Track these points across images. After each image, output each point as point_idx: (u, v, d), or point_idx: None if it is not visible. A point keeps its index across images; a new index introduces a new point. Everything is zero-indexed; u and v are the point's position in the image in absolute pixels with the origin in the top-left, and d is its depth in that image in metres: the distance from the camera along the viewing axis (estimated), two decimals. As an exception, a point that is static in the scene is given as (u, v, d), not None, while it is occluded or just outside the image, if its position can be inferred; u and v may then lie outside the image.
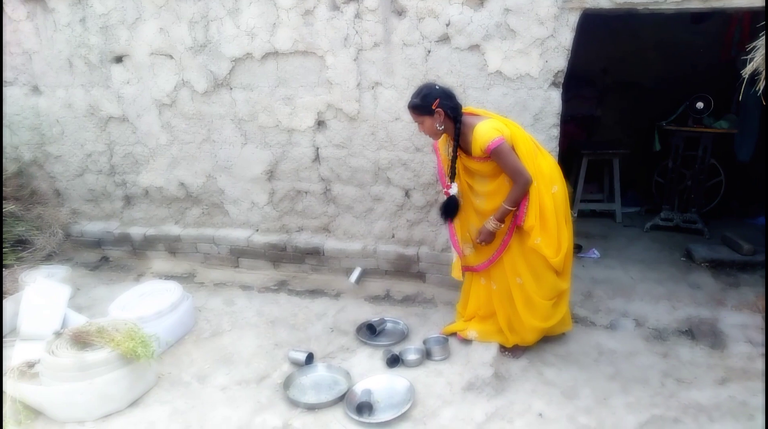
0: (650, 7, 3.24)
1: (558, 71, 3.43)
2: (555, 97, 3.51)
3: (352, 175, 4.00)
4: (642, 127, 5.92)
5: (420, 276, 4.04)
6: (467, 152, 2.93)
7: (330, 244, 4.16)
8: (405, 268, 4.04)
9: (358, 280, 3.98)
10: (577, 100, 5.69)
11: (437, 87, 2.90)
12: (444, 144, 3.08)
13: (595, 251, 4.43)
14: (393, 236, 4.08)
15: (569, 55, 3.42)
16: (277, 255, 4.28)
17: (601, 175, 5.61)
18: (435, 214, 3.93)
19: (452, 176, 2.95)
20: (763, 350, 3.23)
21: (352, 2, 3.59)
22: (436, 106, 2.82)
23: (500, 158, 2.78)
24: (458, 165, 2.99)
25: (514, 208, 2.86)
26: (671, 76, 5.84)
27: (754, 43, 2.35)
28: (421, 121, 2.90)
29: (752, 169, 5.24)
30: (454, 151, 2.90)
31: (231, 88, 4.04)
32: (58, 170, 4.68)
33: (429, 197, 3.91)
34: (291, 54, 3.83)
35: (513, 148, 2.81)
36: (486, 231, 2.93)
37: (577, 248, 4.49)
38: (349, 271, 4.11)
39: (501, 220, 2.89)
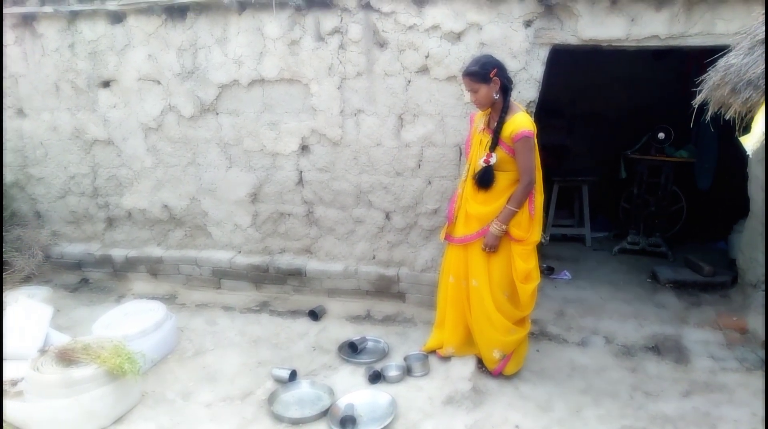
0: (613, 44, 3.51)
1: (530, 101, 3.66)
2: (527, 126, 3.72)
3: (335, 197, 4.14)
4: (609, 155, 6.23)
5: (400, 296, 4.16)
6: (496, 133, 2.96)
7: (312, 265, 4.26)
8: (385, 289, 4.15)
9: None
10: (547, 129, 5.96)
11: (495, 58, 2.98)
12: (480, 118, 3.15)
13: (567, 273, 4.63)
14: (374, 257, 4.21)
15: (540, 87, 3.66)
16: (260, 276, 4.35)
17: (572, 201, 5.86)
18: (415, 235, 4.09)
19: (493, 146, 2.96)
20: (724, 365, 3.43)
21: (337, 34, 3.78)
22: (494, 74, 2.86)
23: (523, 149, 2.87)
24: (476, 146, 3.06)
25: (518, 210, 2.93)
26: (635, 108, 6.18)
27: (701, 77, 2.60)
28: (476, 89, 2.90)
29: (712, 196, 5.54)
30: (498, 124, 2.92)
31: (217, 113, 4.17)
32: (40, 192, 4.70)
33: (409, 220, 4.06)
34: (277, 81, 3.99)
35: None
36: (492, 236, 2.97)
37: (549, 270, 4.68)
38: (331, 293, 4.22)
39: (505, 222, 2.95)
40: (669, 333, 3.75)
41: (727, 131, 2.87)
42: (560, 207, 5.67)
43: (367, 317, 4.05)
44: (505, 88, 2.97)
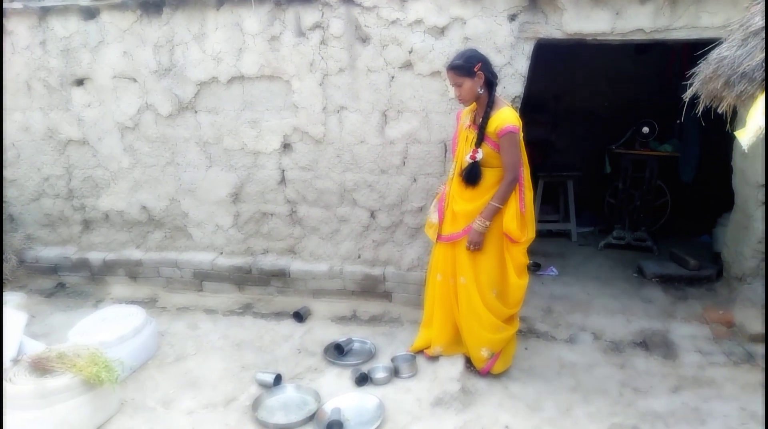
0: (598, 38, 3.47)
1: (515, 97, 3.61)
2: (513, 121, 3.68)
3: (318, 196, 4.05)
4: (593, 150, 6.23)
5: (386, 295, 4.09)
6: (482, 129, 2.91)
7: (296, 265, 4.18)
8: (371, 288, 4.09)
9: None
10: (531, 125, 5.94)
11: (479, 52, 2.93)
12: (466, 115, 3.10)
13: (554, 269, 4.60)
14: (359, 257, 4.14)
15: (525, 82, 3.61)
16: (242, 278, 4.26)
17: (557, 197, 5.84)
18: (401, 233, 4.03)
19: (479, 142, 2.91)
20: (711, 359, 3.42)
21: (318, 29, 3.70)
22: (478, 68, 2.81)
23: (508, 145, 2.83)
24: (462, 143, 3.02)
25: (502, 206, 2.89)
26: (619, 103, 6.19)
27: (693, 70, 2.56)
28: (460, 83, 2.85)
29: (695, 189, 5.57)
30: (484, 120, 2.88)
31: (196, 112, 4.06)
32: (13, 195, 4.55)
33: (394, 218, 4.00)
34: (257, 78, 3.89)
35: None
36: (475, 233, 2.93)
37: (536, 266, 4.65)
38: (316, 293, 4.14)
39: (489, 218, 2.91)
40: (656, 328, 3.74)
41: (709, 124, 2.85)
42: (545, 202, 5.65)
43: (353, 318, 3.98)
44: (490, 83, 2.93)
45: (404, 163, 3.87)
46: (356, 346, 3.59)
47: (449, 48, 3.55)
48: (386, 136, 3.82)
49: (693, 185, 5.50)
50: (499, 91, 3.57)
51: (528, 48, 3.54)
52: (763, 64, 2.07)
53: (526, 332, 3.71)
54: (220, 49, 3.86)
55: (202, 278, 4.33)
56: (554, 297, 4.17)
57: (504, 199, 2.91)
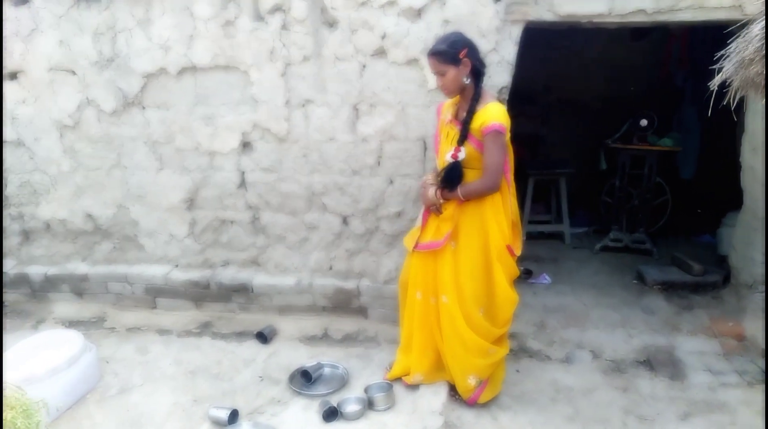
0: (594, 20, 3.07)
1: (502, 87, 3.20)
2: (500, 115, 3.26)
3: (283, 201, 3.62)
4: (586, 145, 5.85)
5: (361, 311, 3.67)
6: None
7: (260, 279, 3.74)
8: (345, 304, 3.66)
9: None
10: (519, 118, 5.53)
11: (465, 36, 2.58)
12: (448, 108, 2.73)
13: (546, 276, 4.21)
14: (331, 268, 3.71)
15: (513, 71, 3.20)
16: (200, 293, 3.81)
17: (548, 195, 5.46)
18: (377, 242, 3.61)
19: (462, 140, 2.54)
20: (723, 379, 3.06)
21: (278, 12, 3.25)
22: (464, 55, 2.46)
23: (492, 145, 2.47)
24: (443, 139, 2.68)
25: (463, 199, 2.56)
26: (612, 94, 5.80)
27: (723, 51, 2.13)
28: (443, 71, 2.49)
29: (695, 186, 5.21)
30: (468, 114, 2.52)
31: (143, 107, 3.59)
32: (-58, 202, 4.05)
33: (369, 224, 3.57)
34: (211, 69, 3.44)
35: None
36: (424, 195, 2.69)
37: (527, 273, 4.26)
38: (283, 310, 3.71)
39: (444, 197, 2.62)
40: (661, 344, 3.36)
41: (709, 116, 2.46)
42: (536, 201, 5.25)
43: (324, 337, 3.55)
44: (477, 72, 2.55)
45: (379, 162, 3.44)
46: (326, 372, 3.17)
47: (427, 33, 3.12)
48: (358, 133, 3.40)
49: (693, 182, 5.14)
50: (485, 81, 3.17)
51: (516, 32, 3.13)
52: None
53: (518, 351, 3.32)
54: (168, 36, 3.39)
55: (155, 294, 3.87)
56: (548, 309, 3.77)
57: (469, 195, 2.56)
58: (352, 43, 3.23)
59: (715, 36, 2.72)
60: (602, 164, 4.82)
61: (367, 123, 3.37)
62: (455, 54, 2.45)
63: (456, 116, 2.66)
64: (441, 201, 2.62)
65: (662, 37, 5.14)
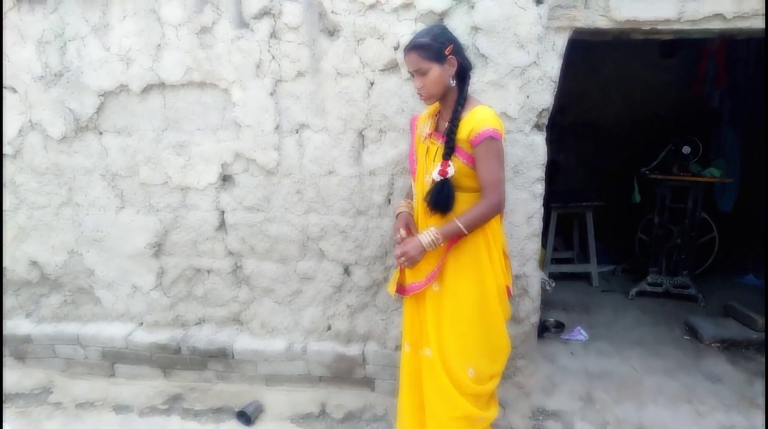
0: (659, 27, 2.49)
1: (543, 110, 2.61)
2: (539, 144, 2.67)
3: (272, 246, 2.96)
4: (605, 172, 5.30)
5: (367, 383, 2.99)
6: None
7: (242, 342, 3.05)
8: (346, 373, 2.99)
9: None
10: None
11: (449, 30, 2.12)
12: (425, 120, 2.24)
13: (582, 330, 3.57)
14: (329, 328, 3.04)
15: (556, 90, 2.61)
16: (169, 359, 3.11)
17: (568, 230, 4.86)
18: (385, 296, 2.95)
19: (448, 154, 2.02)
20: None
21: (266, 17, 2.64)
22: (450, 51, 1.99)
23: (486, 155, 1.97)
24: (422, 158, 2.16)
25: (467, 232, 2.00)
26: (635, 116, 5.28)
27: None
28: (425, 69, 1.99)
29: (734, 220, 4.64)
30: (453, 122, 2.01)
31: (100, 133, 2.94)
32: None
33: (376, 275, 2.93)
34: (183, 86, 2.81)
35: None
36: (416, 245, 2.00)
37: (558, 327, 3.63)
38: (270, 380, 3.02)
39: (445, 236, 2.01)
40: (741, 426, 2.72)
41: (749, 141, 1.88)
42: (555, 236, 4.65)
43: (321, 416, 2.87)
44: (463, 73, 2.08)
45: (389, 200, 2.81)
46: (325, 468, 2.49)
47: (451, 42, 2.52)
48: (364, 165, 2.77)
49: (732, 216, 4.57)
50: (521, 100, 2.57)
51: (560, 42, 2.55)
52: None
53: (564, 436, 2.66)
54: (130, 45, 2.76)
55: (113, 359, 3.17)
56: (591, 375, 3.12)
57: (474, 224, 2.00)
58: (358, 55, 2.62)
59: (758, 51, 2.16)
60: (636, 197, 4.23)
61: (375, 153, 2.75)
62: (440, 49, 1.98)
63: (437, 128, 2.17)
64: (439, 239, 1.98)
65: (696, 53, 4.62)
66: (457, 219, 1.98)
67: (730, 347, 3.38)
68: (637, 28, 2.52)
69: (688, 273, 4.00)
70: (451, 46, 2.00)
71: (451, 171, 2.02)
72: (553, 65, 2.55)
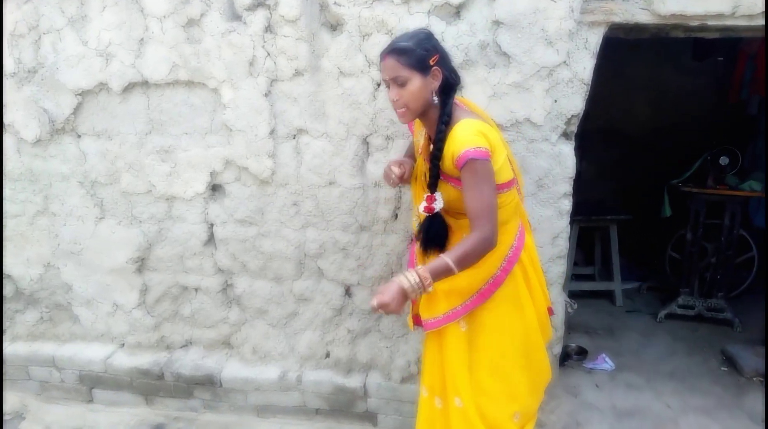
0: (710, 23, 2.17)
1: (572, 116, 2.30)
2: (567, 154, 2.37)
3: (265, 264, 2.67)
4: (631, 183, 4.97)
5: (369, 418, 2.69)
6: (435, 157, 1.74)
7: (231, 368, 2.76)
8: (346, 407, 2.68)
9: None
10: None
11: (434, 36, 1.77)
12: (420, 131, 1.93)
13: (607, 359, 3.24)
14: (328, 355, 2.75)
15: (587, 93, 2.29)
16: (151, 385, 2.83)
17: (589, 244, 4.53)
18: (390, 320, 2.65)
19: (433, 184, 1.76)
20: None
21: (261, 8, 2.34)
22: (435, 61, 1.69)
23: (471, 180, 1.63)
24: (420, 178, 1.90)
25: (457, 270, 1.65)
26: (663, 123, 4.94)
27: None
28: (403, 79, 1.67)
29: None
30: (437, 145, 1.71)
31: (78, 135, 2.67)
32: None
33: (380, 297, 2.62)
34: (169, 85, 2.52)
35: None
36: (397, 288, 1.61)
37: (581, 353, 3.30)
38: (261, 411, 2.72)
39: (434, 276, 1.64)
40: (794, 480, 2.38)
41: None
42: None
43: (317, 454, 2.58)
44: (448, 87, 1.75)
45: (396, 215, 2.51)
46: None
47: (469, 38, 2.23)
48: (369, 175, 2.47)
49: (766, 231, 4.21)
50: (548, 105, 2.26)
51: (594, 39, 2.23)
52: None
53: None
54: (109, 39, 2.49)
55: (91, 384, 2.90)
56: (620, 413, 2.78)
57: (465, 261, 1.65)
58: (363, 52, 2.32)
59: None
60: (666, 210, 3.89)
61: (381, 162, 2.45)
62: (424, 58, 1.67)
63: (426, 148, 1.87)
64: (428, 283, 1.63)
65: (732, 56, 4.27)
66: (447, 255, 1.65)
67: (775, 382, 3.03)
68: (682, 24, 2.20)
69: (723, 295, 3.65)
70: (437, 56, 1.70)
71: (438, 205, 1.77)
72: (585, 66, 2.24)
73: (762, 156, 4.26)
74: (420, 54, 1.66)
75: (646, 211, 4.48)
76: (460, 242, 1.68)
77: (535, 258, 1.99)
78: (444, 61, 1.73)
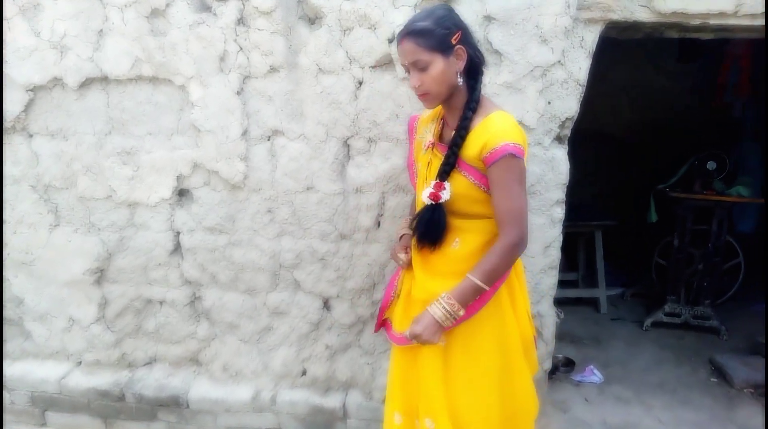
0: (710, 22, 2.06)
1: (566, 118, 2.18)
2: (560, 159, 2.24)
3: (237, 275, 2.48)
4: (614, 187, 4.92)
5: (348, 441, 2.53)
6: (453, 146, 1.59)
7: (199, 388, 2.56)
8: (324, 429, 2.51)
9: None
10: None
11: (456, 13, 1.60)
12: (426, 124, 1.79)
13: (595, 370, 3.13)
14: (304, 373, 2.56)
15: (582, 95, 2.17)
16: (111, 408, 2.60)
17: (573, 249, 4.43)
18: (371, 336, 2.49)
19: (445, 173, 1.59)
20: None
21: (233, -1, 2.16)
22: (457, 40, 1.52)
23: (505, 178, 1.51)
24: (422, 171, 1.72)
25: (488, 287, 1.55)
26: (645, 126, 4.90)
27: None
28: (424, 62, 1.52)
29: (757, 242, 4.25)
30: (460, 132, 1.56)
31: (30, 135, 2.44)
32: None
33: (361, 310, 2.46)
34: (131, 81, 2.31)
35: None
36: (428, 321, 1.54)
37: (568, 364, 3.19)
38: (231, 433, 2.53)
39: (462, 302, 1.54)
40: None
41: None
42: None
43: (292, 481, 2.39)
44: (474, 69, 1.60)
45: (379, 223, 2.35)
46: None
47: (458, 34, 2.07)
48: (349, 180, 2.30)
49: (754, 237, 4.18)
50: (541, 107, 2.13)
51: (590, 37, 2.11)
52: None
53: None
54: (65, 30, 2.26)
55: (45, 406, 2.66)
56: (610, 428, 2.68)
57: (494, 275, 1.55)
58: (344, 47, 2.15)
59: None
60: (652, 216, 3.81)
61: (362, 166, 2.28)
62: (445, 37, 1.51)
63: (441, 137, 1.73)
64: (456, 309, 1.53)
65: (716, 58, 4.22)
66: (471, 273, 1.52)
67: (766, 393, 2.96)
68: (682, 23, 2.09)
69: (710, 302, 3.58)
70: (459, 32, 1.53)
71: (445, 195, 1.59)
72: (580, 65, 2.11)
73: (747, 160, 4.23)
74: (440, 33, 1.50)
75: (627, 214, 4.41)
76: (486, 256, 1.55)
77: (522, 279, 1.82)
78: (467, 38, 1.57)
